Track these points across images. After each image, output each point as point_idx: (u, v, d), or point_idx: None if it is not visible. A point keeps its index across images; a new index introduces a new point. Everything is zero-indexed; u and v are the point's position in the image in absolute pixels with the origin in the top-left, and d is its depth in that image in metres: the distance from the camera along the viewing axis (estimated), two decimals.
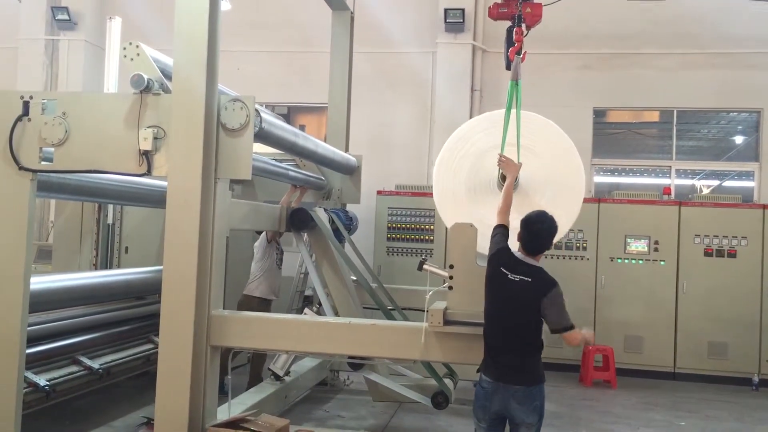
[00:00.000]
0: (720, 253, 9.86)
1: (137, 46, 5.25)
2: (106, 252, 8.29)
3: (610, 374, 9.47)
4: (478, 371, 4.52)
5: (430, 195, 5.75)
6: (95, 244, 8.20)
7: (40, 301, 5.83)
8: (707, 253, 9.89)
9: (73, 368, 6.27)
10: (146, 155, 5.00)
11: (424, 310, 5.06)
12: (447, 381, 6.94)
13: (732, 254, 9.83)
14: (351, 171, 8.55)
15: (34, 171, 5.13)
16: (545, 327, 4.35)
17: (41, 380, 5.74)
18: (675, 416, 8.06)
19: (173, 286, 5.02)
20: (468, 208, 5.42)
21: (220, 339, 5.22)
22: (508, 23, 5.35)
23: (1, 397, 5.05)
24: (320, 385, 8.35)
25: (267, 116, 5.63)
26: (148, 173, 5.05)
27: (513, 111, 5.28)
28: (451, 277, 5.04)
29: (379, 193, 10.54)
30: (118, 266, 8.39)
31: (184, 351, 4.97)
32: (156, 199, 6.53)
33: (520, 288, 4.33)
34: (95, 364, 6.45)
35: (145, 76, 5.02)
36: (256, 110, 5.18)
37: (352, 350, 5.60)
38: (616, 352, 9.65)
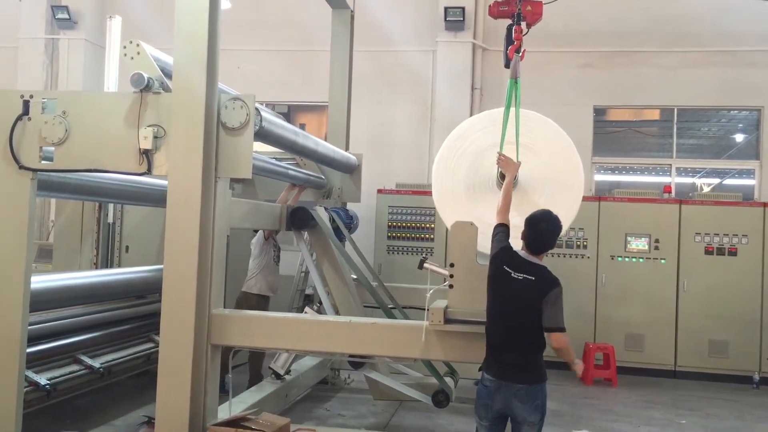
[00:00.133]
0: (720, 252, 9.86)
1: (137, 45, 5.25)
2: (106, 251, 8.29)
3: (611, 372, 9.47)
4: (480, 370, 4.52)
5: (431, 193, 5.75)
6: (96, 243, 8.20)
7: (41, 300, 5.83)
8: (708, 252, 9.88)
9: (74, 367, 6.28)
10: (146, 154, 5.00)
11: (424, 309, 5.06)
12: (448, 379, 6.94)
13: (732, 252, 9.83)
14: (351, 170, 8.55)
15: (35, 170, 5.13)
16: None
17: (42, 379, 5.74)
18: (675, 414, 8.06)
19: (174, 285, 5.02)
20: (467, 206, 5.42)
21: (221, 338, 5.22)
22: (509, 21, 5.35)
23: (2, 396, 5.05)
24: (321, 384, 8.35)
25: (267, 115, 5.63)
26: (149, 172, 5.05)
27: (512, 109, 5.28)
28: (451, 276, 5.04)
29: (379, 191, 10.54)
30: (119, 265, 8.39)
31: (184, 350, 4.98)
32: (156, 198, 6.52)
33: (524, 287, 4.33)
34: (96, 363, 6.45)
35: (146, 75, 5.02)
36: (257, 109, 5.17)
37: (353, 349, 5.60)
38: (617, 350, 9.65)
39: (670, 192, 10.66)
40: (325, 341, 5.36)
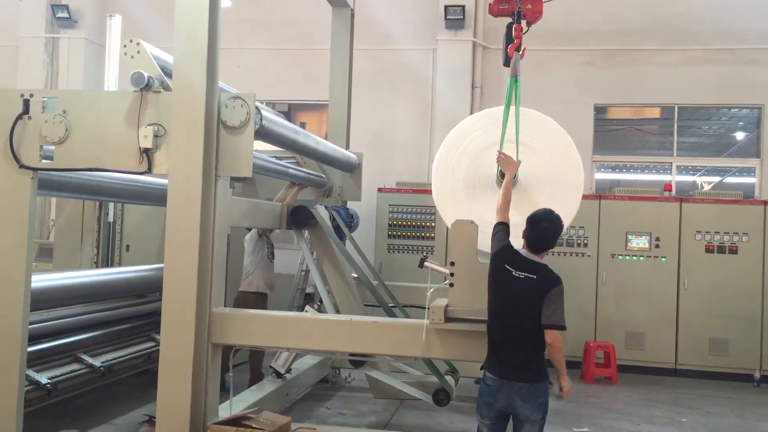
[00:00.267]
0: (721, 250, 9.86)
1: (137, 44, 5.25)
2: (107, 250, 8.30)
3: (612, 371, 9.47)
4: (482, 368, 4.52)
5: (431, 192, 5.75)
6: (96, 242, 8.21)
7: (42, 299, 5.83)
8: (708, 250, 9.88)
9: (75, 366, 6.28)
10: (147, 153, 5.00)
11: (425, 307, 5.06)
12: (448, 378, 6.94)
13: (733, 250, 9.83)
14: (352, 168, 8.55)
15: (35, 169, 5.13)
16: None
17: (43, 378, 5.75)
18: (676, 412, 8.07)
19: (174, 283, 5.02)
20: (467, 205, 5.42)
21: (222, 337, 5.22)
22: (509, 20, 5.34)
23: (3, 395, 5.05)
24: (321, 383, 8.35)
25: (267, 114, 5.63)
26: (149, 171, 5.05)
27: (512, 108, 5.28)
28: (452, 274, 5.04)
29: (379, 190, 10.54)
30: (119, 264, 8.39)
31: (185, 349, 4.98)
32: (157, 197, 6.53)
33: (525, 285, 4.33)
34: (97, 362, 6.45)
35: (146, 74, 5.01)
36: (257, 108, 5.17)
37: (354, 347, 5.60)
38: (618, 348, 9.65)
39: (670, 190, 10.66)
40: (325, 340, 5.36)
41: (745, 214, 9.87)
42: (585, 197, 5.51)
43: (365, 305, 7.40)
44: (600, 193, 10.58)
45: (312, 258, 7.25)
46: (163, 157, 5.03)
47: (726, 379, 9.63)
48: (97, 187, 6.07)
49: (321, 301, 7.04)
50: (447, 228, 5.59)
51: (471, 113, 10.65)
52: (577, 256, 10.10)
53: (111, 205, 8.27)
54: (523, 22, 5.26)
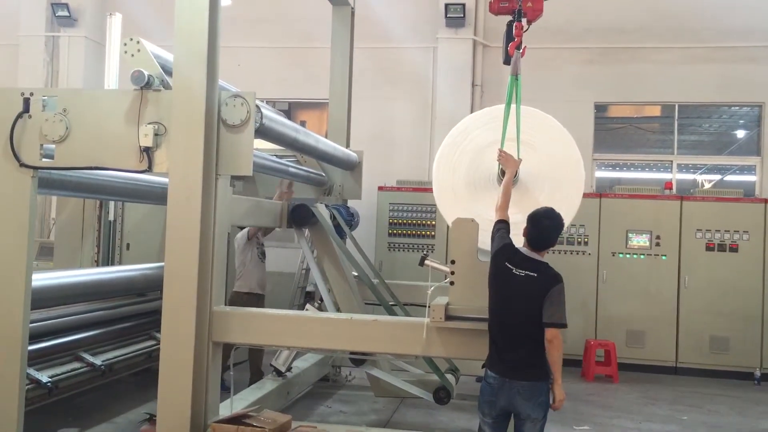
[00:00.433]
0: (722, 248, 9.86)
1: (138, 42, 5.24)
2: (107, 249, 8.30)
3: (612, 369, 9.47)
4: (483, 367, 4.52)
5: (431, 191, 5.74)
6: (97, 240, 8.21)
7: (42, 298, 5.84)
8: (709, 248, 9.89)
9: (75, 365, 6.29)
10: (147, 152, 4.99)
11: (425, 306, 5.06)
12: (449, 376, 6.94)
13: (734, 249, 9.83)
14: (352, 167, 8.55)
15: (35, 168, 5.13)
16: None
17: (43, 377, 5.75)
18: (677, 411, 8.07)
19: (175, 282, 5.02)
20: (468, 203, 5.42)
21: (222, 335, 5.22)
22: (509, 18, 5.33)
23: (4, 393, 5.06)
24: (322, 381, 8.35)
25: (268, 112, 5.62)
26: (149, 170, 5.05)
27: (513, 106, 5.27)
28: (452, 273, 5.04)
29: (380, 188, 10.54)
30: (120, 263, 8.40)
31: (185, 347, 4.98)
32: (157, 196, 6.53)
33: (526, 283, 4.33)
34: (97, 361, 6.46)
35: (146, 73, 5.01)
36: (257, 106, 5.17)
37: (354, 346, 5.60)
38: (618, 346, 9.65)
39: (671, 188, 10.65)
40: (326, 338, 5.36)
41: (746, 212, 9.87)
42: (585, 195, 5.51)
43: (366, 304, 7.40)
44: (600, 192, 10.58)
45: (312, 256, 7.24)
46: (163, 156, 5.03)
47: (726, 377, 9.63)
48: (98, 185, 6.07)
49: (321, 300, 7.03)
50: (447, 226, 5.60)
51: (471, 111, 10.67)
52: (577, 254, 10.11)
53: (111, 204, 8.27)
54: (524, 21, 5.25)
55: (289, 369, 6.99)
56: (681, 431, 7.34)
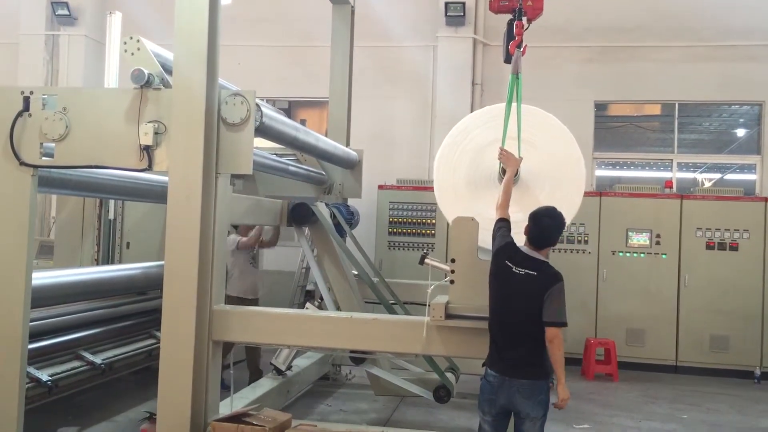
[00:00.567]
0: (722, 247, 9.86)
1: (138, 41, 5.23)
2: (107, 247, 8.30)
3: (612, 367, 9.48)
4: (483, 365, 4.52)
5: (432, 189, 5.74)
6: (97, 239, 8.21)
7: (42, 297, 5.84)
8: (709, 247, 9.89)
9: (76, 363, 6.30)
10: (147, 150, 4.99)
11: (425, 305, 5.06)
12: (449, 375, 6.94)
13: (734, 247, 9.83)
14: (352, 165, 8.54)
15: (35, 166, 5.13)
16: None
17: (43, 375, 5.76)
18: (677, 409, 8.07)
19: (175, 281, 5.01)
20: (469, 202, 5.41)
21: (222, 334, 5.22)
22: (509, 16, 5.33)
23: (4, 392, 5.05)
24: (322, 380, 8.35)
25: (268, 111, 5.62)
26: (149, 168, 5.04)
27: (513, 105, 5.27)
28: (452, 271, 5.03)
29: (380, 187, 10.54)
30: (120, 261, 8.41)
31: (185, 346, 4.97)
32: (157, 195, 6.52)
33: (526, 282, 4.33)
34: (97, 359, 6.47)
35: (146, 71, 5.00)
36: (257, 105, 5.16)
37: (354, 344, 5.60)
38: (618, 345, 9.66)
39: (671, 187, 10.65)
40: (326, 337, 5.36)
41: (746, 211, 9.87)
42: (586, 194, 5.51)
43: (366, 302, 7.40)
44: (600, 190, 10.58)
45: (312, 255, 7.24)
46: (163, 155, 5.02)
47: (726, 376, 9.64)
48: (98, 184, 6.07)
49: (321, 299, 7.03)
50: (448, 225, 5.59)
51: (471, 110, 10.68)
52: (577, 253, 10.11)
53: (111, 203, 8.27)
54: (524, 19, 5.25)
55: (289, 367, 6.99)
56: (681, 430, 7.34)
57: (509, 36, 5.28)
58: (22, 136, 5.10)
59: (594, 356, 9.53)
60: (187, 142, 4.94)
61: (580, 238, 10.12)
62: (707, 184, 11.90)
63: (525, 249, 4.46)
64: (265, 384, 6.70)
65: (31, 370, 5.62)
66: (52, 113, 5.07)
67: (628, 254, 10.06)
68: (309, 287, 8.86)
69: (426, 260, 5.51)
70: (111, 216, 8.31)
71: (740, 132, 12.17)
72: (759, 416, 7.97)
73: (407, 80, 11.82)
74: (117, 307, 7.21)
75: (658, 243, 9.98)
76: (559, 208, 4.52)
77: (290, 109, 12.38)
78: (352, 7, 8.95)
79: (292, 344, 6.18)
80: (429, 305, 5.01)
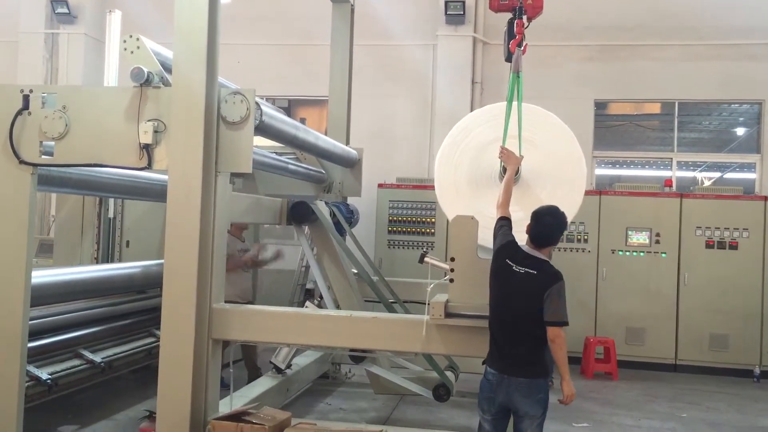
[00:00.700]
0: (721, 245, 9.86)
1: (137, 39, 5.23)
2: (107, 246, 8.30)
3: (612, 366, 9.48)
4: (483, 363, 4.52)
5: (431, 188, 5.75)
6: (96, 238, 8.20)
7: (42, 295, 5.84)
8: (709, 245, 9.88)
9: (75, 362, 6.30)
10: (146, 149, 4.98)
11: (425, 303, 5.06)
12: (448, 373, 6.94)
13: (733, 246, 9.83)
14: (352, 164, 8.54)
15: (35, 165, 5.12)
16: None
17: (43, 374, 5.76)
18: (676, 408, 8.08)
19: (174, 279, 5.01)
20: (470, 201, 5.41)
21: (222, 332, 5.22)
22: (509, 15, 5.33)
23: (3, 390, 5.06)
24: (322, 378, 8.35)
25: (267, 109, 5.62)
26: (149, 167, 5.04)
27: (514, 103, 5.27)
28: (452, 270, 5.03)
29: (380, 186, 10.54)
30: (120, 260, 8.39)
31: (185, 344, 4.98)
32: (157, 193, 6.52)
33: (526, 280, 4.33)
34: (97, 358, 6.47)
35: (145, 70, 5.00)
36: (257, 103, 5.16)
37: (354, 343, 5.60)
38: (618, 343, 9.66)
39: (671, 186, 10.65)
40: (325, 335, 5.36)
41: (746, 210, 9.86)
42: (585, 193, 5.50)
43: (365, 301, 7.39)
44: (600, 189, 10.57)
45: (312, 254, 7.24)
46: (163, 153, 5.02)
47: (726, 375, 9.64)
48: (97, 182, 6.06)
49: (321, 297, 7.04)
50: (447, 223, 5.59)
51: (471, 109, 10.68)
52: (577, 251, 10.11)
53: (111, 201, 8.27)
54: (524, 18, 5.25)
55: (288, 366, 6.99)
56: (680, 428, 7.34)
57: (510, 35, 5.28)
58: (21, 134, 5.10)
59: (593, 355, 9.54)
60: (187, 141, 4.94)
61: (579, 236, 10.12)
62: (707, 183, 11.89)
63: (526, 248, 4.46)
64: (265, 382, 6.70)
65: (31, 368, 5.62)
66: (52, 112, 5.07)
67: (627, 253, 10.06)
68: (309, 286, 8.85)
69: (425, 259, 5.51)
70: (111, 214, 8.30)
71: (740, 131, 12.18)
72: (758, 415, 7.98)
73: (407, 79, 11.82)
74: (117, 305, 7.21)
75: (657, 242, 9.98)
76: (560, 208, 4.52)
77: (290, 107, 12.38)
78: (352, 5, 8.95)
79: (292, 343, 6.18)
80: (428, 304, 5.01)
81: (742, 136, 12.03)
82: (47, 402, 5.97)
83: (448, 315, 4.96)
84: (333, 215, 7.34)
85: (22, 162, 5.09)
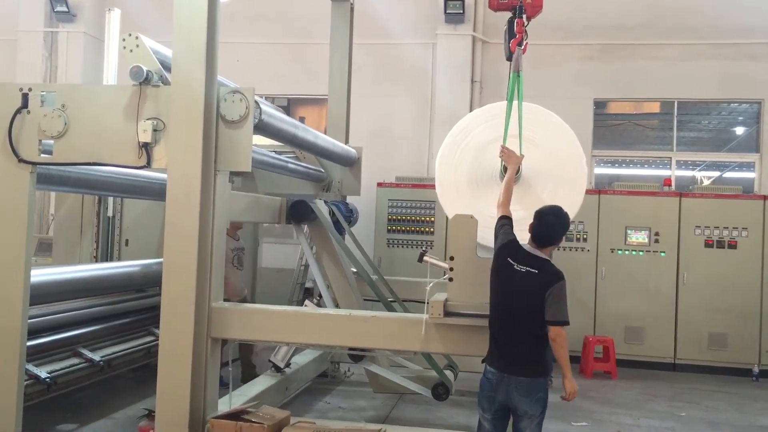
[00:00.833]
0: (720, 245, 9.86)
1: (136, 38, 5.23)
2: (106, 244, 8.29)
3: (611, 365, 9.49)
4: (483, 362, 4.52)
5: (431, 187, 5.76)
6: (95, 236, 8.20)
7: (41, 294, 5.84)
8: (708, 245, 9.89)
9: (74, 360, 6.30)
10: (146, 147, 4.98)
11: (424, 302, 5.06)
12: (447, 372, 6.94)
13: (732, 245, 9.83)
14: (351, 163, 8.54)
15: (34, 163, 5.12)
16: None
17: (42, 372, 5.76)
18: (675, 407, 8.08)
19: (173, 278, 5.01)
20: (470, 200, 5.41)
21: (221, 331, 5.22)
22: (508, 14, 5.33)
23: (3, 389, 5.05)
24: (321, 377, 8.35)
25: (267, 108, 5.62)
26: (148, 165, 5.04)
27: (515, 102, 5.26)
28: (451, 269, 5.03)
29: (379, 185, 10.53)
30: (119, 259, 8.40)
31: (184, 343, 4.98)
32: (156, 192, 6.52)
33: (527, 279, 4.33)
34: (96, 357, 6.46)
35: (145, 68, 5.00)
36: (256, 102, 5.16)
37: (353, 342, 5.61)
38: (617, 343, 9.66)
39: (670, 185, 10.64)
40: (325, 334, 5.36)
41: (745, 209, 9.87)
42: (585, 192, 5.51)
43: (364, 300, 7.39)
44: (599, 188, 10.58)
45: (311, 252, 7.24)
46: (162, 152, 5.02)
47: (725, 374, 9.65)
48: (96, 181, 6.06)
49: (320, 296, 7.03)
50: (447, 222, 5.59)
51: (471, 108, 10.69)
52: (576, 250, 10.11)
53: (110, 200, 8.26)
54: (523, 17, 5.24)
55: (287, 365, 6.99)
56: (679, 427, 7.34)
57: (510, 34, 5.27)
58: (20, 133, 5.09)
59: (593, 354, 9.54)
60: (186, 140, 4.94)
61: (578, 236, 10.11)
62: (706, 182, 11.92)
63: (527, 247, 4.46)
64: (264, 381, 6.70)
65: (30, 367, 5.62)
66: (51, 110, 5.06)
67: (626, 252, 10.06)
68: (308, 285, 8.86)
69: (425, 258, 5.51)
70: (110, 213, 8.30)
71: (739, 130, 12.18)
72: (757, 414, 7.98)
73: (406, 78, 11.81)
74: (116, 304, 7.21)
75: (656, 241, 9.98)
76: (560, 206, 4.53)
77: (289, 106, 12.37)
78: (352, 4, 8.94)
79: (291, 341, 6.18)
80: (428, 303, 5.01)
81: (742, 136, 12.04)
82: (46, 400, 5.97)
83: (447, 314, 4.96)
84: (332, 214, 7.34)
85: (21, 160, 5.08)
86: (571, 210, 5.09)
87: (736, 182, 11.40)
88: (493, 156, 5.30)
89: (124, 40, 5.27)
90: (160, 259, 5.23)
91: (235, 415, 4.92)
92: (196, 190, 4.95)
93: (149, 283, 7.59)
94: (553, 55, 11.33)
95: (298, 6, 11.92)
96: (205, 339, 5.12)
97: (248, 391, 6.26)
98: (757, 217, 9.82)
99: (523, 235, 4.55)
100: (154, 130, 4.96)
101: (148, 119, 4.97)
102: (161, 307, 5.04)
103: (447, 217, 5.52)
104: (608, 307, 10.02)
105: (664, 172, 11.72)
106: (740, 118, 12.12)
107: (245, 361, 7.83)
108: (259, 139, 5.98)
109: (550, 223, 4.44)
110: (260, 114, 5.27)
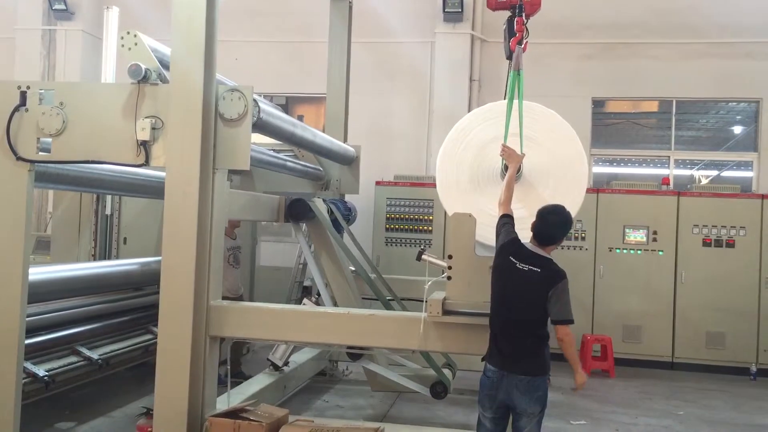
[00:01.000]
0: (718, 243, 9.88)
1: (135, 36, 5.23)
2: (104, 243, 8.29)
3: (609, 364, 9.50)
4: (483, 360, 4.52)
5: (429, 185, 5.76)
6: (94, 234, 8.20)
7: (39, 292, 5.83)
8: (706, 243, 9.90)
9: (73, 359, 6.29)
10: (144, 145, 4.98)
11: (422, 301, 5.06)
12: (446, 371, 6.95)
13: (730, 244, 9.85)
14: (349, 161, 8.54)
15: (32, 161, 5.12)
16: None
17: (40, 370, 5.75)
18: (673, 405, 8.09)
19: (172, 276, 5.01)
20: (471, 198, 5.40)
21: (219, 329, 5.22)
22: (507, 13, 5.32)
23: (1, 387, 5.05)
24: (319, 375, 8.36)
25: (265, 106, 5.61)
26: (146, 164, 5.04)
27: (516, 101, 5.26)
28: (449, 267, 5.04)
29: (377, 183, 10.53)
30: (117, 257, 8.39)
31: (183, 341, 4.98)
32: (154, 190, 6.52)
33: (529, 278, 4.33)
34: (94, 355, 6.46)
35: (143, 66, 5.00)
36: (254, 100, 5.16)
37: (351, 340, 5.60)
38: (615, 341, 9.67)
39: (668, 184, 10.66)
40: (323, 333, 5.36)
41: (743, 208, 9.88)
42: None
43: (363, 298, 7.40)
44: (598, 187, 10.59)
45: (310, 251, 7.25)
46: (160, 150, 5.01)
47: (722, 373, 9.66)
48: (95, 179, 6.05)
49: (319, 294, 7.04)
50: (445, 221, 5.58)
51: (469, 106, 10.69)
52: (574, 249, 10.11)
53: (108, 198, 8.26)
54: (522, 15, 5.24)
55: (286, 363, 7.00)
56: (677, 426, 7.35)
57: (510, 32, 5.27)
58: (18, 131, 5.09)
59: (590, 353, 9.55)
60: (185, 138, 4.94)
61: (577, 234, 10.11)
62: (704, 181, 11.91)
63: (530, 245, 4.46)
64: (262, 379, 6.70)
65: (28, 365, 5.62)
66: (49, 108, 5.06)
67: (624, 251, 10.07)
68: (306, 283, 8.85)
69: (423, 256, 5.52)
70: (108, 211, 8.29)
71: (737, 129, 12.19)
72: (755, 413, 7.99)
73: (405, 76, 11.80)
74: (114, 302, 7.21)
75: (654, 240, 9.99)
76: (560, 204, 4.53)
77: (288, 104, 12.35)
78: (350, 2, 8.93)
79: (290, 340, 6.19)
80: (426, 301, 5.01)
81: (740, 135, 12.05)
82: (44, 399, 5.98)
83: (446, 312, 4.96)
84: (331, 212, 7.33)
85: (19, 158, 5.08)
86: (573, 208, 5.08)
87: (734, 181, 11.39)
88: (494, 154, 5.30)
89: (122, 38, 5.27)
90: (159, 258, 5.23)
91: (234, 414, 4.92)
92: (194, 189, 4.95)
93: (147, 282, 7.58)
94: (551, 54, 11.31)
95: (296, 4, 11.91)
96: (204, 337, 5.12)
97: (246, 389, 6.27)
98: (755, 216, 9.83)
99: (523, 233, 4.55)
100: (153, 129, 4.96)
101: (146, 117, 4.97)
102: (160, 306, 5.04)
103: (446, 216, 5.52)
104: (606, 306, 10.03)
105: (662, 171, 11.73)
106: (738, 117, 12.12)
107: (234, 357, 7.81)
108: (258, 138, 5.98)
109: (553, 222, 4.44)
110: (259, 112, 5.27)
